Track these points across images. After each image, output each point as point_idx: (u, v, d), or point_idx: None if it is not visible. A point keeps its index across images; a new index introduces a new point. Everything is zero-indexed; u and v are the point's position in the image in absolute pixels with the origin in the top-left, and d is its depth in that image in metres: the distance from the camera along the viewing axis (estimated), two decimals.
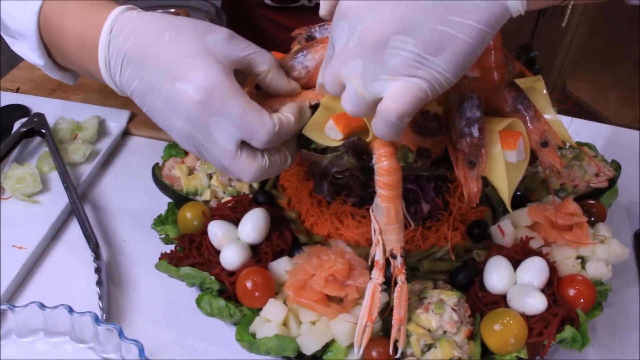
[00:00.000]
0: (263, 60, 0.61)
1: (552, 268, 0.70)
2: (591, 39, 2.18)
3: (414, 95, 0.49)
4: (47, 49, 0.66)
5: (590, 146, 0.91)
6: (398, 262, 0.62)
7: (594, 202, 0.81)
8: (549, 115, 0.66)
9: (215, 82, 0.56)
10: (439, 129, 0.62)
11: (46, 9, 0.63)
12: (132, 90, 0.59)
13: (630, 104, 2.17)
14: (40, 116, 0.95)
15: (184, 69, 0.56)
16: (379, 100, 0.51)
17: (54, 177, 0.89)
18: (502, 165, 0.60)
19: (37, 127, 0.94)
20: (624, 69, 2.20)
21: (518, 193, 0.83)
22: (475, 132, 0.59)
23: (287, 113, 0.61)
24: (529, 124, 0.62)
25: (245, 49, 0.60)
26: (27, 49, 0.66)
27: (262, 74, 0.62)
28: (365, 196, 0.75)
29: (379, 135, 0.54)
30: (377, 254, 0.63)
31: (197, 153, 0.61)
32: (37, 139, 0.96)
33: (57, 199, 0.86)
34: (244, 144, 0.59)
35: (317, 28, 0.71)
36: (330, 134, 0.62)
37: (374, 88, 0.51)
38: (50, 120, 0.96)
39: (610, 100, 2.24)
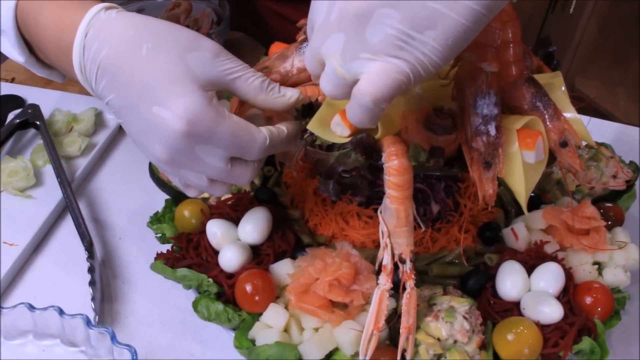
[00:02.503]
0: (249, 87, 0.57)
1: (568, 274, 0.67)
2: (601, 36, 2.15)
3: (394, 78, 0.46)
4: (29, 45, 0.63)
5: (607, 146, 0.87)
6: (407, 266, 0.59)
7: (612, 205, 0.78)
8: (569, 113, 0.62)
9: (198, 111, 0.52)
10: (453, 126, 0.58)
11: (22, 5, 0.60)
12: (108, 101, 0.55)
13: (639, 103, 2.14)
14: (35, 107, 0.92)
15: (163, 95, 0.52)
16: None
17: (48, 171, 0.87)
18: (520, 166, 0.57)
19: (32, 118, 0.91)
20: (634, 67, 2.17)
21: (532, 194, 0.79)
22: (492, 131, 0.56)
23: (279, 125, 0.58)
24: (548, 123, 0.59)
25: (230, 72, 0.55)
26: (8, 46, 0.63)
27: (249, 100, 0.58)
28: (372, 195, 0.72)
29: (351, 121, 0.51)
30: (385, 258, 0.60)
31: (173, 173, 0.57)
32: (32, 130, 0.94)
33: (50, 194, 0.83)
34: (234, 158, 0.56)
35: None
36: (336, 129, 0.58)
37: (354, 67, 0.47)
38: (46, 112, 0.93)
39: (619, 99, 2.21)
